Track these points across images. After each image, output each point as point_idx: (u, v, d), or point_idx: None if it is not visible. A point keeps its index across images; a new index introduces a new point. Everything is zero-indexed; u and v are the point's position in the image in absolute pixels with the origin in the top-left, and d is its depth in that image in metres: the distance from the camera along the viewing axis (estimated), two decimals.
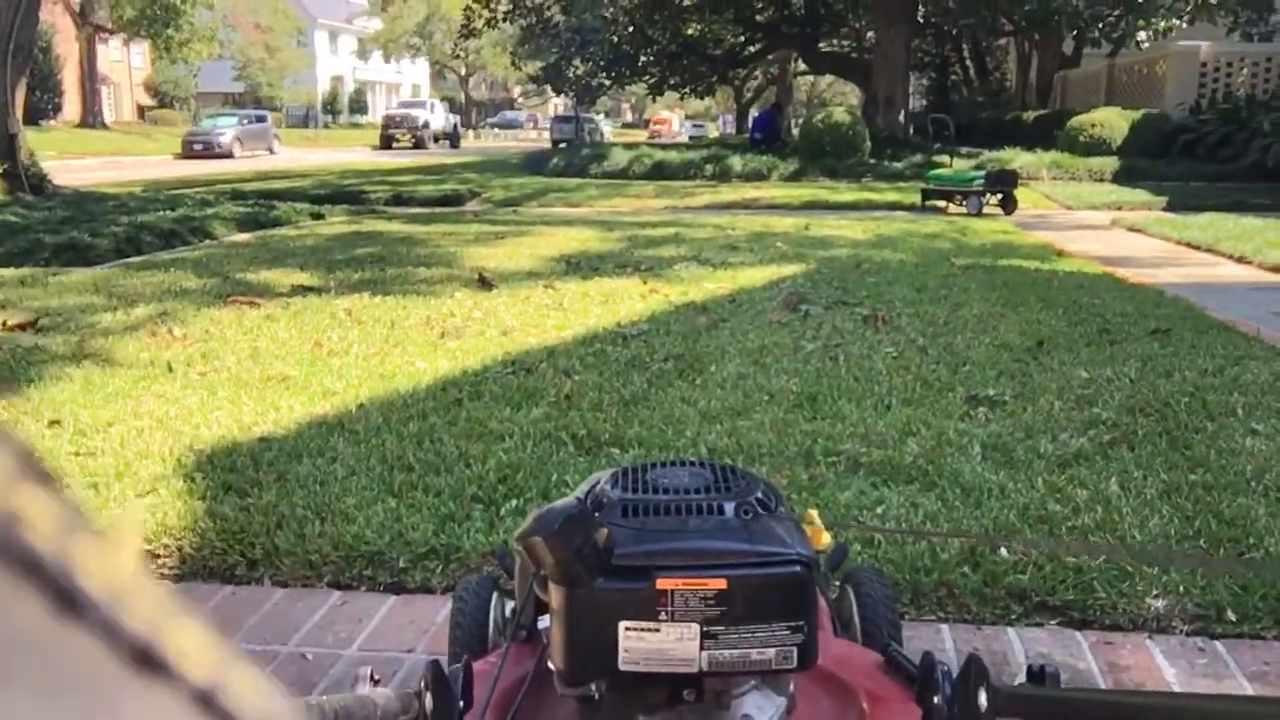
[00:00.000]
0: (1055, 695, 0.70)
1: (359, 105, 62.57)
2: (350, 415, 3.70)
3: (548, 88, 37.71)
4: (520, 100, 69.62)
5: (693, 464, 0.95)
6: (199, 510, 2.96)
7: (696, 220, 10.79)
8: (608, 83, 29.72)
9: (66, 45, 37.50)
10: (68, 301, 5.79)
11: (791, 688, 0.95)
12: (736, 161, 17.55)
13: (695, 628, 0.81)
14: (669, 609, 0.81)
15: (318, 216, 10.66)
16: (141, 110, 46.16)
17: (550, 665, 0.87)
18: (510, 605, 1.47)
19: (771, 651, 0.82)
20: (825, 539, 1.28)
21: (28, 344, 4.70)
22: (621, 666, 0.82)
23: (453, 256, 7.57)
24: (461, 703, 0.83)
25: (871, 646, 1.18)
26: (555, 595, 0.83)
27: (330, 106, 59.70)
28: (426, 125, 39.76)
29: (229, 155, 31.12)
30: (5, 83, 10.70)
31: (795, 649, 0.83)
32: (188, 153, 31.09)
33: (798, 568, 0.83)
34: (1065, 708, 0.69)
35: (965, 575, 2.41)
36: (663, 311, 5.52)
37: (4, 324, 5.09)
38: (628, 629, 0.81)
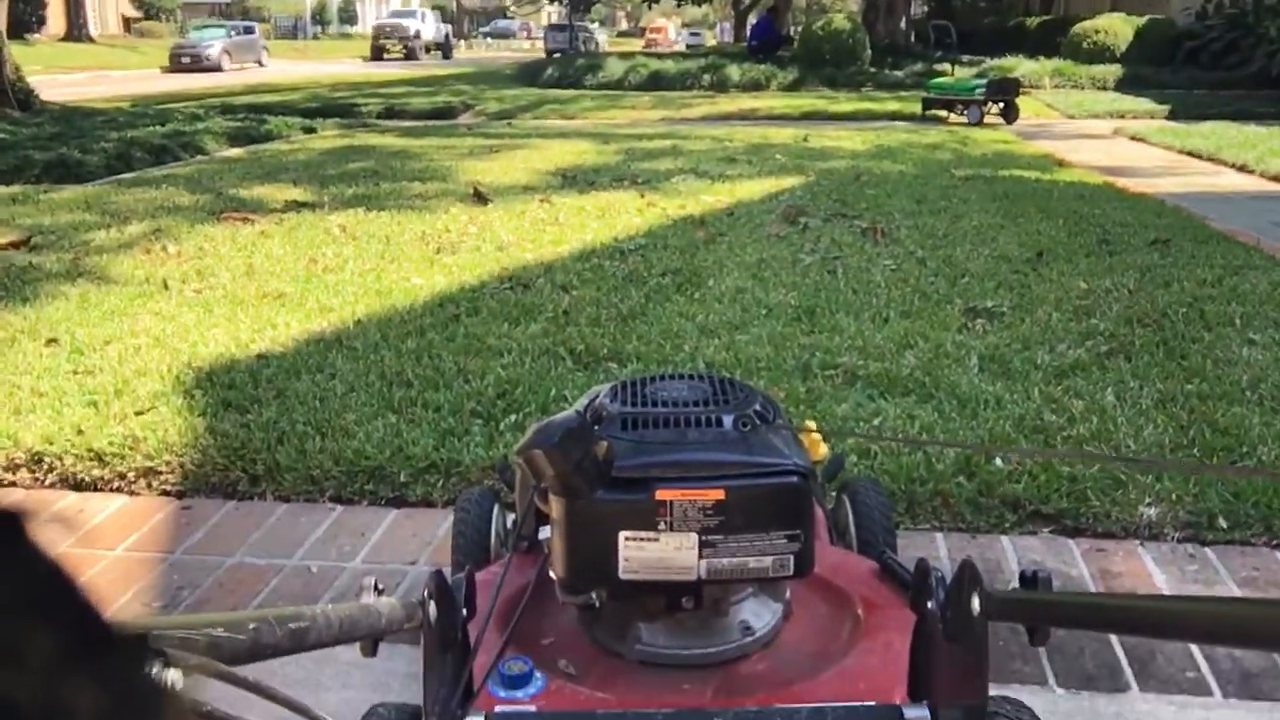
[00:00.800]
0: (1046, 599, 0.71)
1: (348, 15, 61.18)
2: (348, 332, 3.69)
3: None
4: (513, 8, 68.08)
5: (691, 377, 0.95)
6: (199, 427, 2.98)
7: (693, 132, 10.64)
8: None
9: None
10: (60, 219, 5.73)
11: (788, 595, 0.96)
12: (734, 71, 17.24)
13: (694, 537, 0.82)
14: (668, 519, 0.82)
15: (310, 130, 10.51)
16: (127, 22, 45.10)
17: (551, 575, 0.88)
18: (511, 518, 1.49)
19: (769, 560, 0.83)
20: (822, 450, 1.31)
21: (21, 262, 4.67)
22: (621, 575, 0.83)
23: (447, 171, 7.48)
24: (465, 611, 0.84)
25: (867, 555, 1.18)
26: (556, 506, 0.84)
27: (319, 17, 58.39)
28: (418, 35, 38.95)
29: (217, 68, 30.50)
30: None
31: (792, 557, 0.84)
32: (175, 66, 30.45)
33: (794, 478, 0.84)
34: (1056, 611, 0.70)
35: (960, 485, 2.43)
36: (660, 226, 5.47)
37: None
38: (627, 539, 0.82)
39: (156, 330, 3.74)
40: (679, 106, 14.29)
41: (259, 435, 2.78)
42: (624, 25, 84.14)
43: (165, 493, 2.75)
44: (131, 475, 2.81)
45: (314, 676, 1.74)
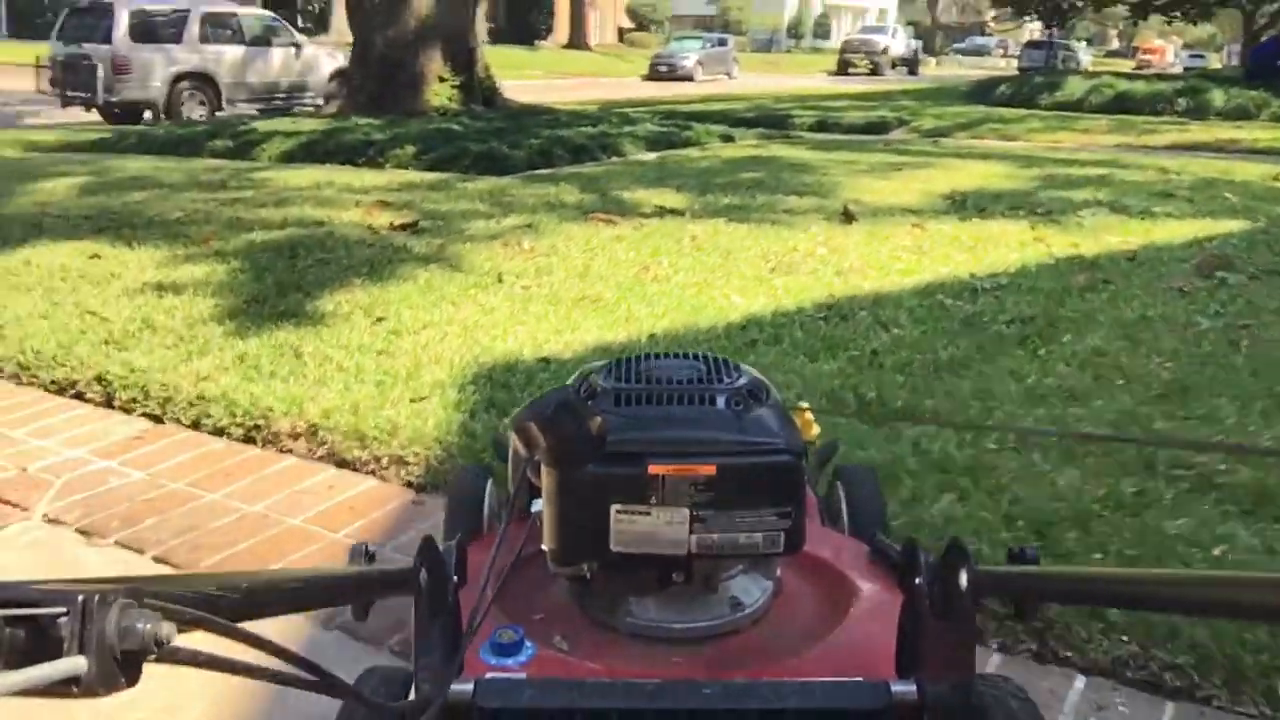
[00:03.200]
0: (1035, 574, 0.72)
1: (823, 30, 62.16)
2: (638, 345, 3.53)
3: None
4: (992, 25, 65.21)
5: (685, 356, 0.96)
6: (455, 422, 2.95)
7: (1141, 161, 9.32)
8: (1080, 3, 26.72)
9: None
10: (457, 207, 6.19)
11: (778, 572, 0.96)
12: (1217, 96, 15.03)
13: (685, 512, 0.82)
14: (660, 493, 0.82)
15: (727, 139, 10.62)
16: (621, 33, 49.31)
17: (543, 546, 0.88)
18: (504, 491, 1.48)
19: (759, 536, 0.83)
20: (815, 430, 1.31)
21: (399, 243, 5.05)
22: (613, 548, 0.83)
23: (832, 187, 7.12)
24: (455, 578, 0.83)
25: (858, 537, 1.18)
26: (548, 479, 0.84)
27: (794, 31, 59.93)
28: (885, 51, 38.56)
29: (690, 78, 32.28)
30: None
31: (782, 534, 0.84)
32: (653, 75, 32.67)
33: (786, 456, 0.84)
34: (1045, 586, 0.71)
35: None
36: (1036, 264, 4.74)
37: (390, 223, 5.52)
38: (619, 512, 0.82)
39: (471, 321, 3.83)
40: (1141, 133, 12.68)
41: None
42: (1114, 44, 77.41)
43: (409, 483, 2.75)
44: (385, 461, 2.84)
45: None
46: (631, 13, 50.07)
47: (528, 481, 0.94)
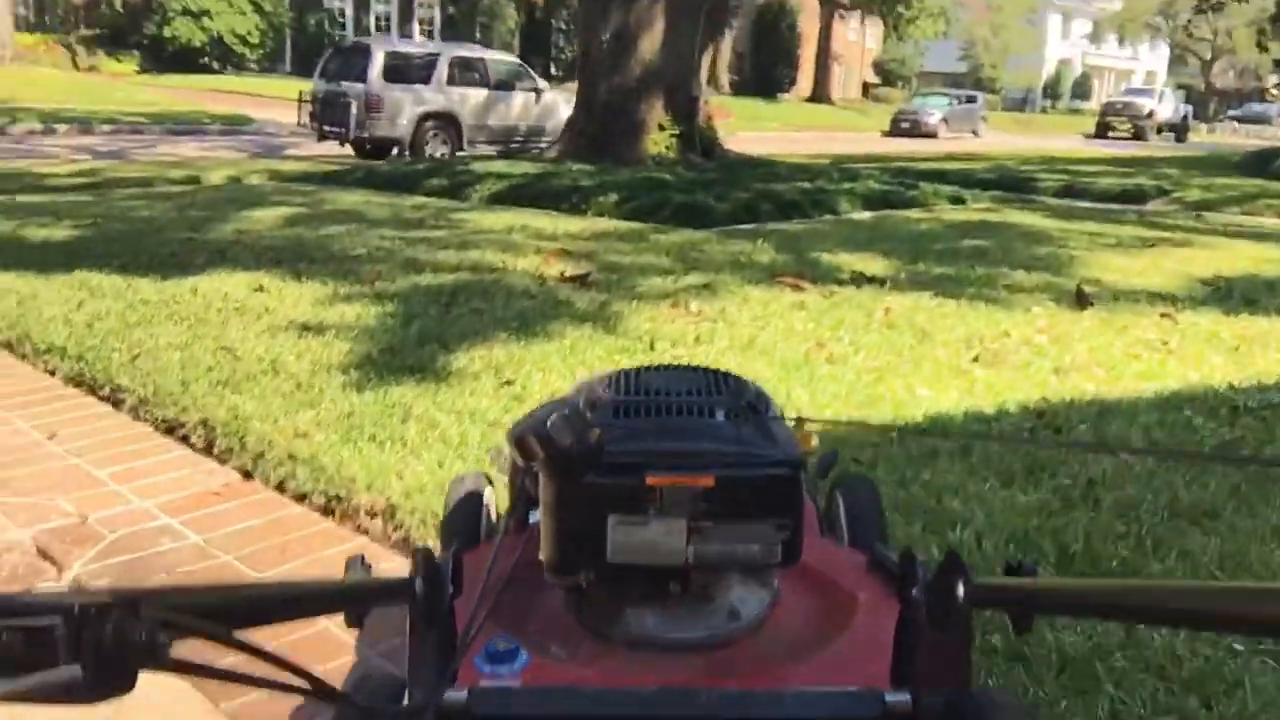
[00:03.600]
0: (1032, 586, 0.72)
1: (1082, 90, 58.70)
2: None
3: None
4: (1273, 91, 59.54)
5: (684, 369, 0.95)
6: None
7: None
8: None
9: (809, 23, 40.45)
10: (638, 260, 5.76)
11: (776, 584, 0.94)
12: None
13: (683, 523, 0.81)
14: (658, 504, 0.82)
15: (957, 201, 9.74)
16: (866, 87, 48.37)
17: (540, 556, 0.87)
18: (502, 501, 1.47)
19: (757, 548, 0.83)
20: (814, 442, 1.52)
21: (562, 297, 4.65)
22: (610, 559, 0.82)
23: (1068, 262, 6.19)
24: (451, 588, 0.81)
25: (856, 548, 1.17)
26: (545, 489, 0.84)
27: (1051, 91, 56.93)
28: (1150, 114, 35.75)
29: (933, 135, 31.07)
30: (696, 47, 11.43)
31: (780, 546, 0.83)
32: (894, 130, 31.67)
33: (785, 468, 0.83)
34: (1041, 598, 0.72)
35: None
36: None
37: (561, 274, 5.15)
38: (617, 523, 0.82)
39: None
40: None
41: None
42: None
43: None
44: None
45: None
46: (878, 68, 49.09)
47: (525, 492, 0.94)
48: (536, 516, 0.88)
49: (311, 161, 12.57)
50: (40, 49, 26.34)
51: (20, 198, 8.16)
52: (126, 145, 15.68)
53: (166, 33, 27.65)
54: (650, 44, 11.53)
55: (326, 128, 14.50)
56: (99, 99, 21.78)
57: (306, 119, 15.05)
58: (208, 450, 3.12)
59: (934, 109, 32.81)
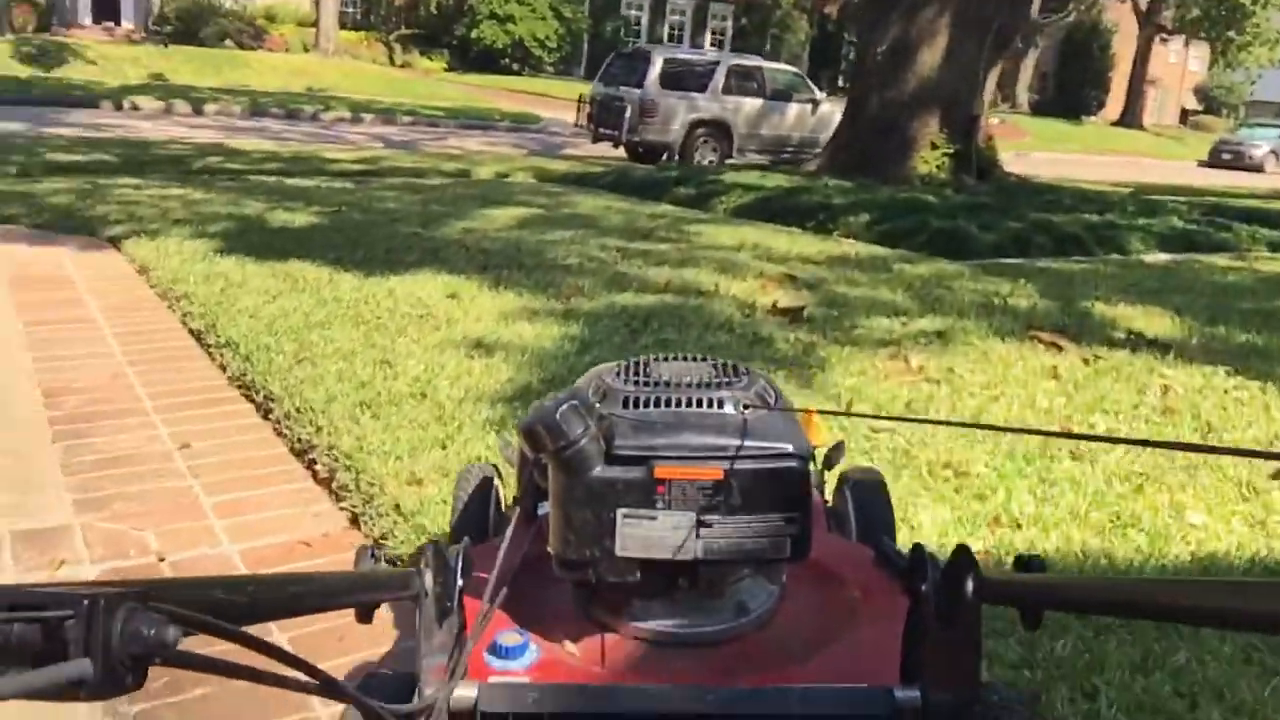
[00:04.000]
0: (1041, 582, 0.70)
1: None
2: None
3: None
4: None
5: (694, 359, 0.93)
6: None
7: None
8: None
9: (1124, 44, 37.12)
10: (870, 294, 5.04)
11: (784, 578, 0.93)
12: None
13: (691, 516, 0.81)
14: (666, 497, 0.81)
15: (1278, 249, 8.20)
16: (1185, 114, 43.81)
17: (549, 549, 0.85)
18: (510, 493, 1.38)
19: (765, 542, 0.82)
20: (823, 435, 1.22)
21: (763, 334, 4.05)
22: (618, 553, 0.81)
23: None
24: (460, 581, 0.79)
25: (864, 542, 1.17)
26: (554, 482, 0.82)
27: None
28: None
29: (1258, 169, 27.63)
30: (981, 63, 10.35)
31: (789, 540, 0.82)
32: (1214, 161, 28.44)
33: (793, 461, 0.82)
34: (1051, 594, 0.71)
35: None
36: None
37: (774, 304, 4.54)
38: (625, 516, 0.81)
39: None
40: None
41: None
42: None
43: None
44: None
45: None
46: (1200, 93, 44.34)
47: (534, 484, 0.94)
48: (545, 508, 0.87)
49: (580, 162, 12.60)
50: (362, 45, 28.53)
51: (292, 180, 8.51)
52: (419, 136, 16.49)
53: (474, 34, 29.21)
54: (930, 57, 10.59)
55: (602, 130, 14.66)
56: (406, 92, 23.26)
57: (584, 120, 15.24)
58: (328, 483, 2.81)
59: (1262, 140, 29.18)
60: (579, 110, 15.56)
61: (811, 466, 0.83)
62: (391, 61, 28.73)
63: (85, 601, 0.41)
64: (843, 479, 1.40)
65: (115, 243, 5.60)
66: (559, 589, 0.91)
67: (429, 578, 0.76)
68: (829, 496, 1.36)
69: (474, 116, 20.22)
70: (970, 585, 0.68)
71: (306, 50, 26.84)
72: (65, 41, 22.79)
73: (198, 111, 16.99)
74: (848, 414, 2.26)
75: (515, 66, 29.89)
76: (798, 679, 0.81)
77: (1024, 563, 0.72)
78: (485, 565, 0.84)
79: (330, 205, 6.98)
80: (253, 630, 0.48)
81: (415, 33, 30.16)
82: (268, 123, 16.71)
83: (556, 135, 18.94)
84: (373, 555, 0.79)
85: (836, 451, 1.42)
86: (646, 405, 0.84)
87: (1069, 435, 2.48)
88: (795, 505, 0.81)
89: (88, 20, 27.11)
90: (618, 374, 0.89)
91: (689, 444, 0.80)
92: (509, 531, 0.86)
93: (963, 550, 0.70)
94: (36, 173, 8.02)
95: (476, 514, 1.38)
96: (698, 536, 0.80)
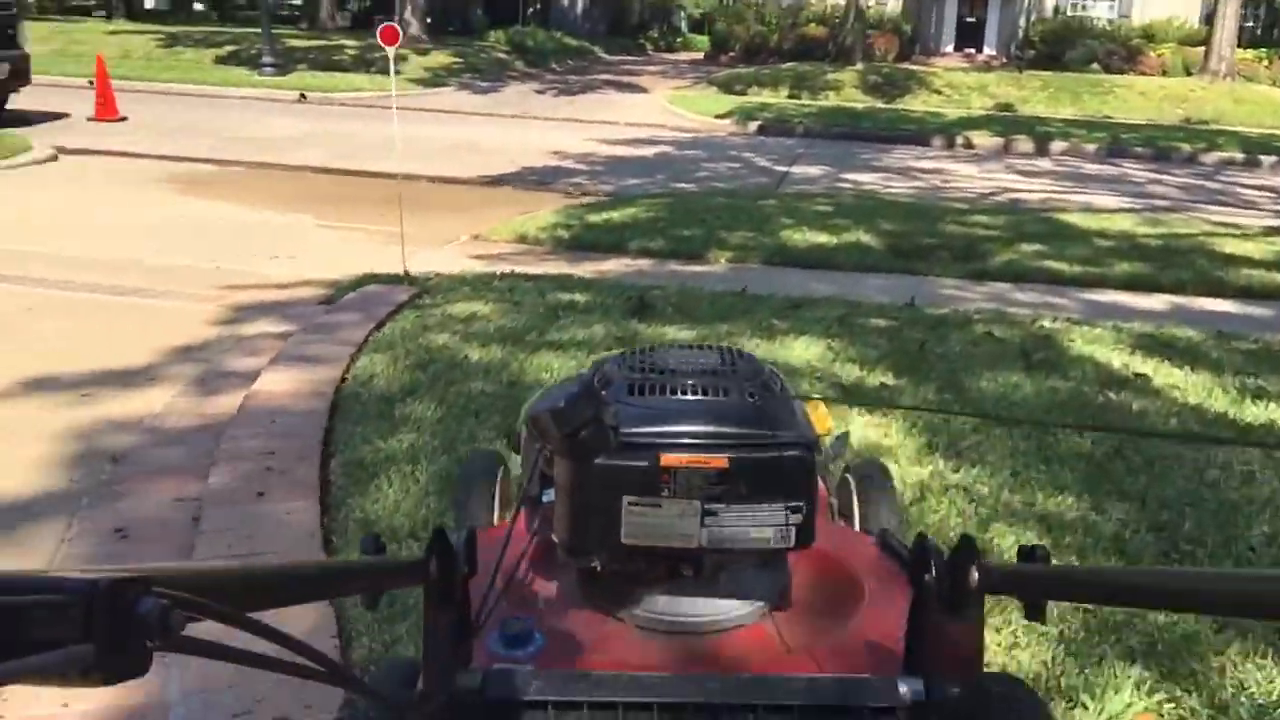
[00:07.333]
0: (1045, 572, 0.68)
1: None
2: None
3: None
4: None
5: (699, 348, 0.90)
6: None
7: None
8: None
9: None
10: None
11: (789, 567, 0.91)
12: None
13: (696, 505, 0.78)
14: (671, 485, 0.78)
15: None
16: None
17: (554, 536, 0.84)
18: (515, 480, 1.40)
19: (770, 530, 0.80)
20: (828, 424, 1.30)
21: None
22: (623, 540, 0.79)
23: None
24: (466, 569, 0.76)
25: (869, 533, 1.15)
26: (560, 469, 0.81)
27: None
28: None
29: None
30: None
31: (794, 529, 0.80)
32: None
33: (799, 450, 0.80)
34: (1055, 584, 0.70)
35: None
36: None
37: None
38: (630, 504, 0.79)
39: None
40: None
41: None
42: None
43: None
44: None
45: None
46: None
47: (540, 472, 0.92)
48: (551, 496, 0.85)
49: None
50: (1259, 65, 21.84)
51: (1162, 310, 4.32)
52: None
53: None
54: None
55: None
56: None
57: None
58: None
59: None
60: None
61: (816, 455, 0.80)
62: None
63: (89, 586, 0.37)
64: (848, 468, 1.38)
65: None
66: (564, 576, 0.89)
67: (434, 565, 0.72)
68: (834, 483, 1.35)
69: None
70: (974, 575, 0.67)
71: (1189, 73, 21.25)
72: (913, 69, 20.85)
73: (1040, 151, 13.30)
74: (851, 403, 2.15)
75: None
76: (801, 668, 0.79)
77: (1027, 553, 0.69)
78: (491, 553, 0.81)
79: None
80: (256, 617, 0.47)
81: None
82: (1127, 166, 12.34)
83: None
84: (376, 544, 0.74)
85: (841, 440, 1.44)
86: (652, 393, 0.81)
87: (1068, 426, 2.45)
88: (800, 494, 0.79)
89: (949, 47, 25.22)
90: (622, 363, 0.87)
91: (694, 432, 0.78)
92: (514, 519, 0.85)
93: (966, 540, 0.68)
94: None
95: (482, 502, 1.33)
96: (702, 525, 0.78)
